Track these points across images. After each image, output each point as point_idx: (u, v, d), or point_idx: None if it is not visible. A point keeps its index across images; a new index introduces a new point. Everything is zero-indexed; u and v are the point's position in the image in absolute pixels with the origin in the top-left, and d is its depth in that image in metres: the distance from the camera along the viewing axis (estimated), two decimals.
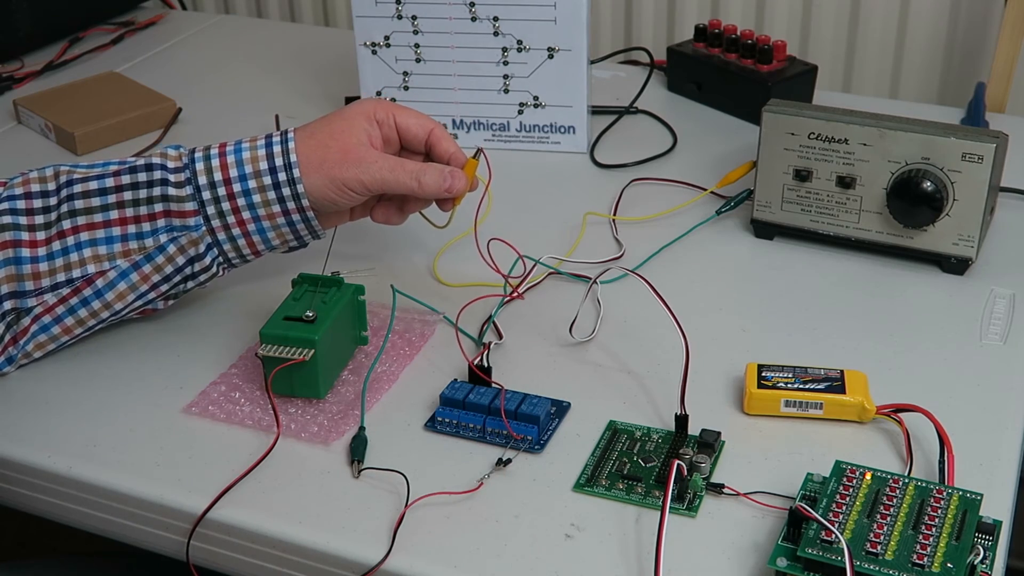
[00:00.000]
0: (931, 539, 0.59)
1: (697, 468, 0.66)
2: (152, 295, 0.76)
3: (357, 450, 0.69)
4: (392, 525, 0.64)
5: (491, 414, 0.71)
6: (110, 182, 0.74)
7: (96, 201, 0.74)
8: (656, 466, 0.68)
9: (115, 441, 0.72)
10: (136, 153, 1.05)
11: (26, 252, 0.73)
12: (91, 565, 0.89)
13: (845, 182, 0.86)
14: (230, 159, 0.75)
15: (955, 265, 0.86)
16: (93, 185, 0.74)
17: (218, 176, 0.74)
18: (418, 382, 0.76)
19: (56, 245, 0.73)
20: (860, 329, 0.80)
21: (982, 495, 0.62)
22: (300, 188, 0.75)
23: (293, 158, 0.75)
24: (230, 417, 0.73)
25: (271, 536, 0.65)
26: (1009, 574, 0.67)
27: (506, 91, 1.05)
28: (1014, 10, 1.10)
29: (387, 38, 1.05)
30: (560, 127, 1.06)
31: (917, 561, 0.57)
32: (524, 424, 0.70)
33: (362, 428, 0.71)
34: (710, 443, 0.68)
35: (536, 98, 1.05)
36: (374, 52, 1.06)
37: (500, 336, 0.80)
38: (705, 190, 0.96)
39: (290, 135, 0.76)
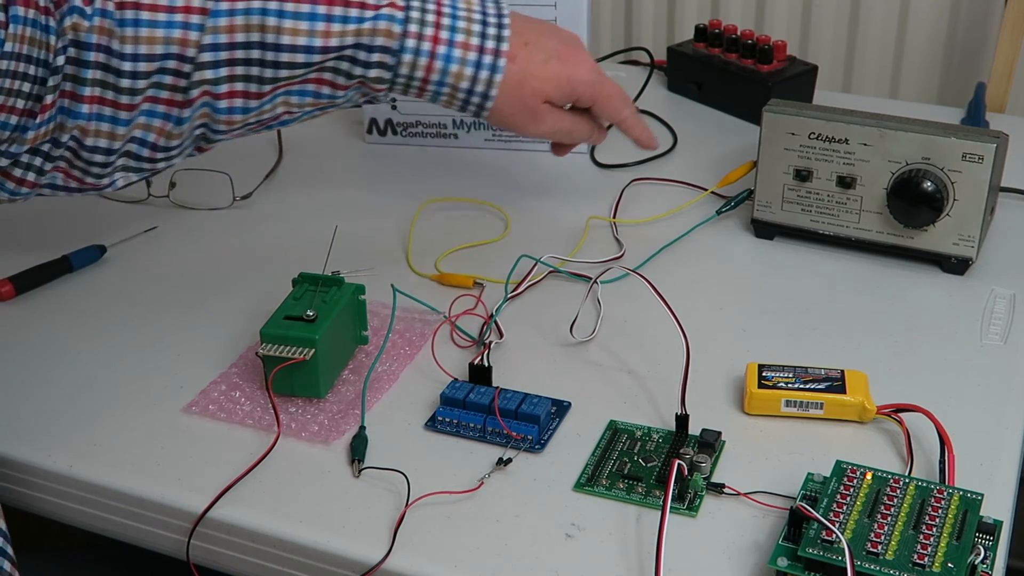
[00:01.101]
0: (932, 539, 0.59)
1: (698, 468, 0.66)
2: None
3: (357, 449, 0.69)
4: (392, 525, 0.64)
5: (491, 414, 0.71)
6: (316, 58, 0.74)
7: (299, 72, 0.75)
8: (656, 466, 0.68)
9: (115, 440, 0.72)
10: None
11: (223, 103, 0.75)
12: (83, 557, 0.89)
13: (845, 182, 0.86)
14: (437, 64, 0.76)
15: (955, 265, 0.86)
16: (300, 58, 0.74)
17: (420, 74, 0.76)
18: (418, 382, 0.76)
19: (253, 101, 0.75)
20: (860, 329, 0.80)
21: (983, 495, 0.62)
22: (485, 114, 0.80)
23: (493, 92, 0.78)
24: (230, 416, 0.73)
25: (271, 535, 0.65)
26: (1009, 574, 0.67)
27: None
28: (1014, 10, 1.10)
29: None
30: None
31: (918, 561, 0.57)
32: (524, 424, 0.70)
33: (362, 428, 0.71)
34: (710, 443, 0.68)
35: None
36: None
37: (501, 336, 0.80)
38: (705, 190, 0.96)
39: (500, 63, 0.78)
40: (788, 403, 0.71)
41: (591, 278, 0.83)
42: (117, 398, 0.75)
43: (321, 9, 0.73)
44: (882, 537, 0.59)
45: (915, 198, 0.83)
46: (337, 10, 0.73)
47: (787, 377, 0.72)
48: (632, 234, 0.93)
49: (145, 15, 0.71)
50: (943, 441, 0.67)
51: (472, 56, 0.77)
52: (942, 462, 0.66)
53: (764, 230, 0.92)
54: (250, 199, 0.99)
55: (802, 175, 0.88)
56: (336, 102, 0.78)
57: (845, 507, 0.61)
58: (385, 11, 0.74)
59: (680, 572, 0.61)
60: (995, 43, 1.13)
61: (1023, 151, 0.97)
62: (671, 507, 0.63)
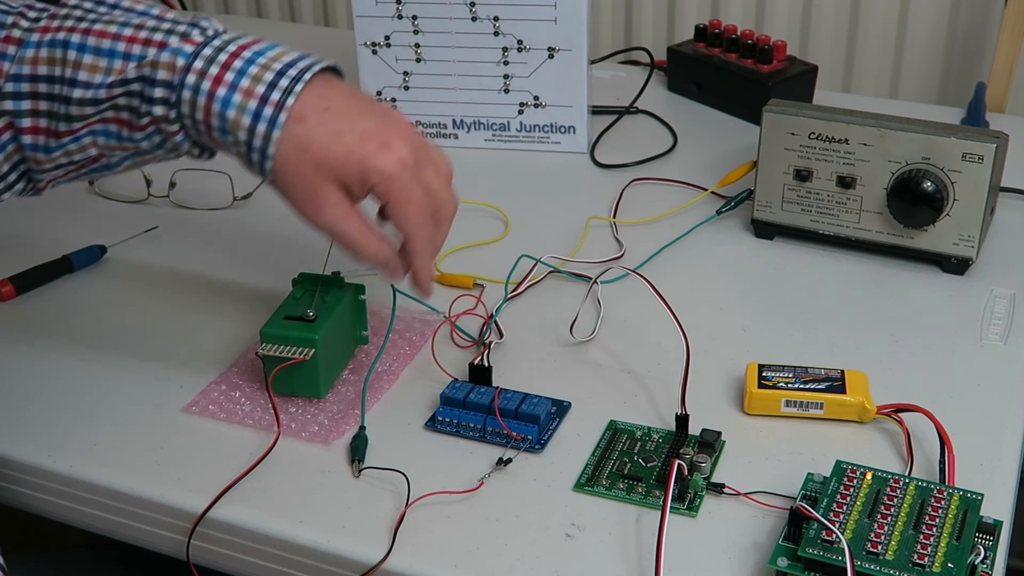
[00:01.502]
0: (932, 539, 0.59)
1: (698, 468, 0.66)
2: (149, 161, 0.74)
3: (357, 449, 0.69)
4: (392, 525, 0.64)
5: (491, 414, 0.71)
6: (103, 93, 0.68)
7: (92, 110, 0.69)
8: (657, 466, 0.68)
9: (115, 440, 0.72)
10: None
11: (27, 139, 0.70)
12: (83, 557, 0.89)
13: (845, 182, 0.86)
14: (215, 107, 0.66)
15: (955, 265, 0.86)
16: (90, 94, 0.68)
17: (200, 116, 0.67)
18: (418, 382, 0.76)
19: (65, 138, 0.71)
20: (860, 329, 0.80)
21: (983, 495, 0.62)
22: (269, 177, 0.68)
23: (271, 151, 0.66)
24: (230, 416, 0.73)
25: (271, 535, 0.65)
26: (1009, 574, 0.67)
27: (506, 91, 1.05)
28: (1014, 10, 1.10)
29: (387, 38, 1.05)
30: (560, 127, 1.06)
31: (918, 561, 0.57)
32: (524, 424, 0.70)
33: (362, 428, 0.71)
34: (711, 443, 0.68)
35: (536, 98, 1.05)
36: (374, 52, 1.06)
37: (501, 336, 0.80)
38: (705, 190, 0.96)
39: (280, 118, 0.66)
40: (788, 403, 0.71)
41: (591, 278, 0.83)
42: (117, 398, 0.75)
43: (121, 46, 0.68)
44: (882, 537, 0.59)
45: (915, 198, 0.83)
46: (136, 47, 0.68)
47: (787, 377, 0.72)
48: (632, 234, 0.93)
49: None
50: (943, 441, 0.67)
51: (252, 104, 0.66)
52: (942, 462, 0.66)
53: (764, 230, 0.92)
54: (250, 199, 0.99)
55: (802, 175, 0.88)
56: (140, 146, 0.70)
57: (845, 507, 0.61)
58: (175, 45, 0.67)
59: (680, 572, 0.61)
60: (995, 43, 1.13)
61: (1023, 151, 0.97)
62: (671, 507, 0.63)
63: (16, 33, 0.70)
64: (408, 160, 0.67)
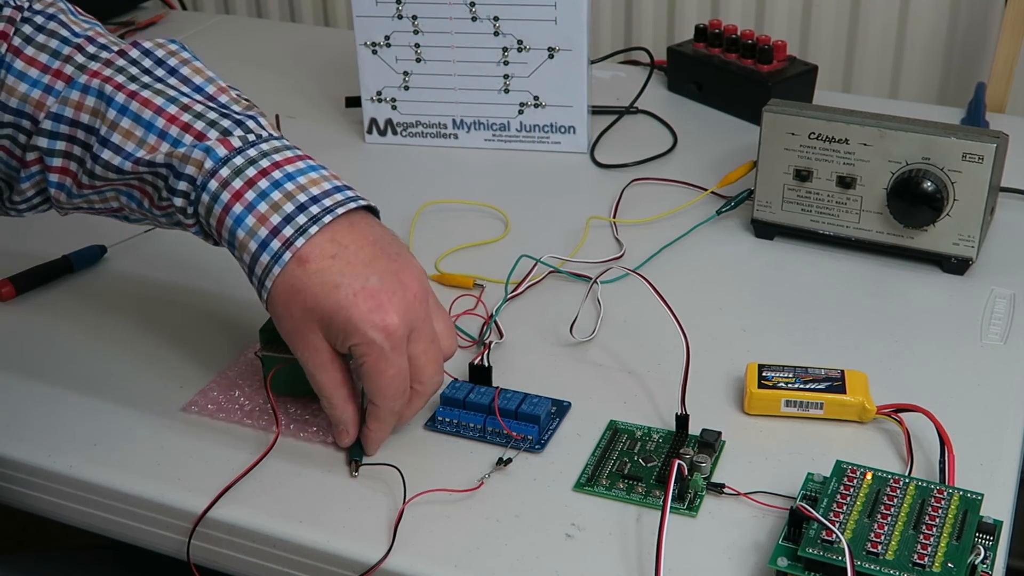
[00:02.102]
0: (932, 539, 0.59)
1: (698, 468, 0.66)
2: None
3: (356, 450, 0.69)
4: (392, 524, 0.64)
5: (491, 414, 0.71)
6: (128, 166, 0.68)
7: (113, 175, 0.69)
8: (657, 466, 0.68)
9: (115, 441, 0.72)
10: None
11: (54, 178, 0.70)
12: (82, 558, 0.89)
13: (845, 182, 0.86)
14: (228, 222, 0.66)
15: (955, 265, 0.86)
16: (115, 161, 0.68)
17: (213, 223, 0.67)
18: None
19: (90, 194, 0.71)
20: (860, 329, 0.80)
21: (983, 495, 0.62)
22: (264, 304, 0.68)
23: (268, 284, 0.66)
24: (229, 416, 0.73)
25: (271, 535, 0.65)
26: (1010, 574, 0.67)
27: (506, 91, 1.05)
28: (1014, 10, 1.10)
29: (387, 38, 1.05)
30: (560, 127, 1.06)
31: (918, 561, 0.57)
32: (524, 424, 0.70)
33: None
34: (711, 443, 0.68)
35: (536, 98, 1.05)
36: (374, 52, 1.06)
37: (501, 336, 0.80)
38: (705, 190, 0.96)
39: (285, 256, 0.65)
40: (788, 403, 0.71)
41: (591, 278, 0.83)
42: (117, 398, 0.75)
43: (160, 122, 0.67)
44: (882, 537, 0.59)
45: (915, 198, 0.83)
46: (174, 130, 0.67)
47: (787, 377, 0.72)
48: (632, 234, 0.93)
49: (19, 65, 0.69)
50: (943, 441, 0.67)
51: (263, 233, 0.65)
52: (942, 462, 0.66)
53: (764, 230, 0.92)
54: None
55: (802, 175, 0.88)
56: (158, 220, 0.70)
57: (845, 507, 0.61)
58: (210, 143, 0.66)
59: (680, 572, 0.61)
60: (995, 43, 1.13)
61: (1023, 151, 0.97)
62: (671, 507, 0.63)
63: (68, 69, 0.69)
64: (397, 330, 0.64)
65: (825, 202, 0.88)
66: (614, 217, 0.95)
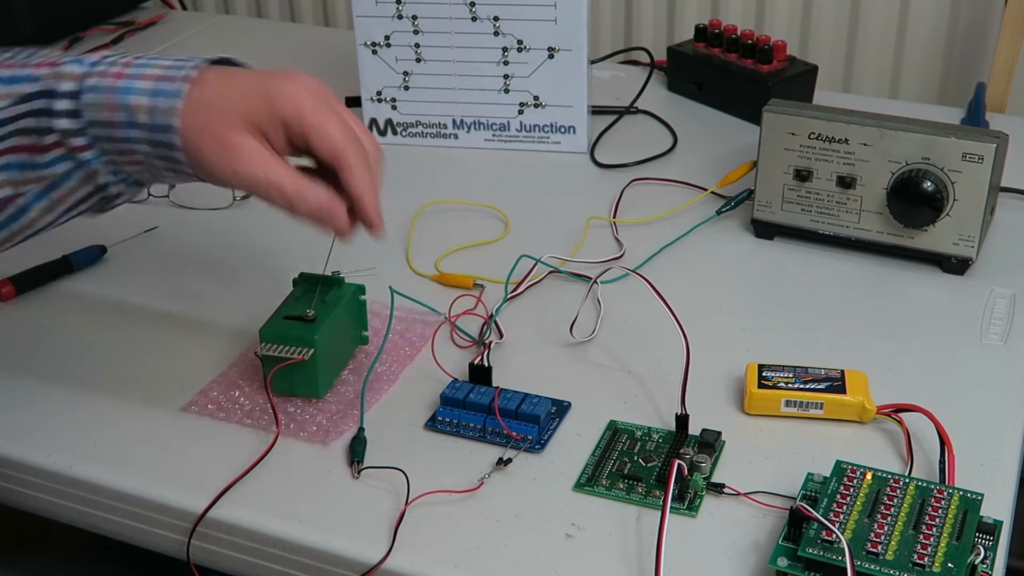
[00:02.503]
0: (932, 539, 0.59)
1: (697, 468, 0.66)
2: (74, 214, 0.70)
3: (357, 451, 0.69)
4: (392, 524, 0.64)
5: (491, 414, 0.71)
6: (5, 115, 0.66)
7: None
8: (656, 466, 0.68)
9: (115, 440, 0.72)
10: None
11: None
12: (83, 558, 0.89)
13: (845, 182, 0.86)
14: (117, 98, 0.64)
15: (955, 265, 0.86)
16: None
17: (104, 116, 0.64)
18: (418, 382, 0.76)
19: None
20: (860, 329, 0.80)
21: (983, 495, 0.62)
22: (178, 154, 0.65)
23: (176, 122, 0.64)
24: (229, 416, 0.73)
25: (271, 535, 0.65)
26: (1009, 574, 0.67)
27: (506, 91, 1.05)
28: (1014, 10, 1.10)
29: (387, 38, 1.05)
30: (560, 127, 1.06)
31: (918, 561, 0.57)
32: (524, 424, 0.70)
33: (361, 428, 0.71)
34: (710, 443, 0.68)
35: (536, 98, 1.05)
36: (374, 52, 1.06)
37: (501, 336, 0.80)
38: (705, 190, 0.96)
39: (183, 88, 0.64)
40: (788, 403, 0.71)
41: (591, 278, 0.83)
42: (117, 398, 0.75)
43: (26, 72, 0.66)
44: (882, 537, 0.59)
45: (915, 198, 0.83)
46: (42, 70, 0.66)
47: (787, 377, 0.72)
48: (632, 234, 0.93)
49: None
50: (943, 441, 0.67)
51: (149, 85, 0.64)
52: (942, 462, 0.66)
53: (764, 230, 0.92)
54: (250, 199, 0.99)
55: (802, 175, 0.88)
56: (51, 174, 0.66)
57: (845, 507, 0.61)
58: (72, 61, 0.66)
59: (680, 572, 0.61)
60: (995, 43, 1.13)
61: (1023, 151, 0.97)
62: (671, 507, 0.63)
63: None
64: (314, 86, 0.66)
65: (825, 202, 0.88)
66: (614, 217, 0.95)
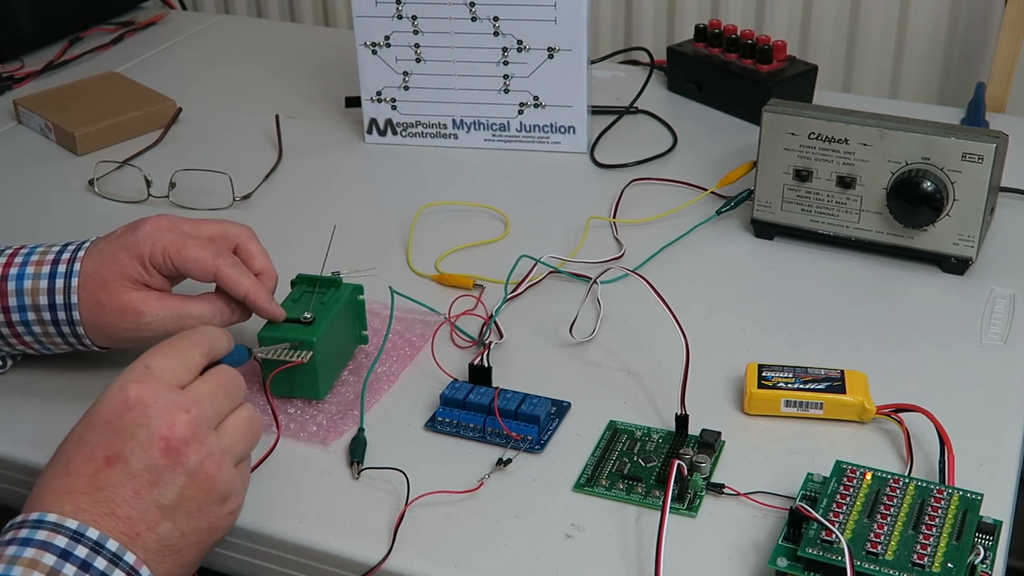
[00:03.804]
0: (931, 539, 0.59)
1: (697, 468, 0.66)
2: None
3: (356, 451, 0.69)
4: (392, 525, 0.64)
5: (491, 414, 0.71)
6: None
7: None
8: (656, 466, 0.68)
9: None
10: (128, 158, 1.05)
11: None
12: None
13: (845, 182, 0.86)
14: (11, 285, 0.71)
15: (955, 265, 0.86)
16: None
17: None
18: (418, 382, 0.76)
19: None
20: (860, 329, 0.80)
21: (982, 495, 0.62)
22: (80, 328, 0.72)
23: (74, 299, 0.71)
24: None
25: (271, 536, 0.65)
26: (1009, 574, 0.67)
27: (506, 91, 1.05)
28: (1014, 10, 1.10)
29: (387, 38, 1.05)
30: (560, 127, 1.06)
31: (917, 561, 0.57)
32: (524, 424, 0.70)
33: (361, 429, 0.71)
34: (710, 443, 0.68)
35: (536, 98, 1.05)
36: (374, 52, 1.06)
37: (500, 336, 0.80)
38: (705, 190, 0.96)
39: (76, 269, 0.71)
40: (788, 403, 0.71)
41: (591, 278, 0.83)
42: None
43: None
44: (882, 537, 0.59)
45: (915, 198, 0.83)
46: None
47: (787, 377, 0.72)
48: (632, 234, 0.93)
49: None
50: (943, 441, 0.67)
51: (46, 269, 0.71)
52: (942, 462, 0.66)
53: (764, 230, 0.91)
54: (250, 199, 0.99)
55: (802, 175, 0.88)
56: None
57: (845, 507, 0.61)
58: None
59: (680, 572, 0.61)
60: (995, 43, 1.13)
61: (1023, 151, 0.97)
62: (671, 507, 0.63)
63: None
64: (163, 224, 0.73)
65: (825, 202, 0.88)
66: (614, 217, 0.95)
